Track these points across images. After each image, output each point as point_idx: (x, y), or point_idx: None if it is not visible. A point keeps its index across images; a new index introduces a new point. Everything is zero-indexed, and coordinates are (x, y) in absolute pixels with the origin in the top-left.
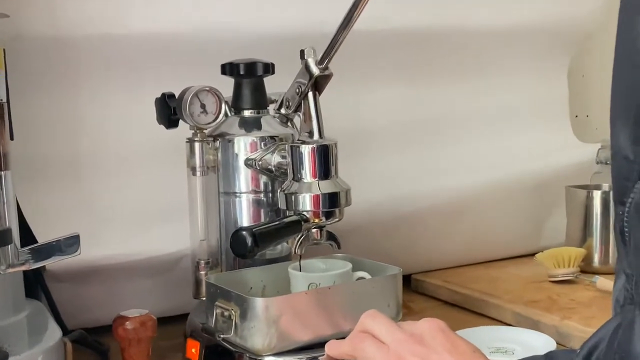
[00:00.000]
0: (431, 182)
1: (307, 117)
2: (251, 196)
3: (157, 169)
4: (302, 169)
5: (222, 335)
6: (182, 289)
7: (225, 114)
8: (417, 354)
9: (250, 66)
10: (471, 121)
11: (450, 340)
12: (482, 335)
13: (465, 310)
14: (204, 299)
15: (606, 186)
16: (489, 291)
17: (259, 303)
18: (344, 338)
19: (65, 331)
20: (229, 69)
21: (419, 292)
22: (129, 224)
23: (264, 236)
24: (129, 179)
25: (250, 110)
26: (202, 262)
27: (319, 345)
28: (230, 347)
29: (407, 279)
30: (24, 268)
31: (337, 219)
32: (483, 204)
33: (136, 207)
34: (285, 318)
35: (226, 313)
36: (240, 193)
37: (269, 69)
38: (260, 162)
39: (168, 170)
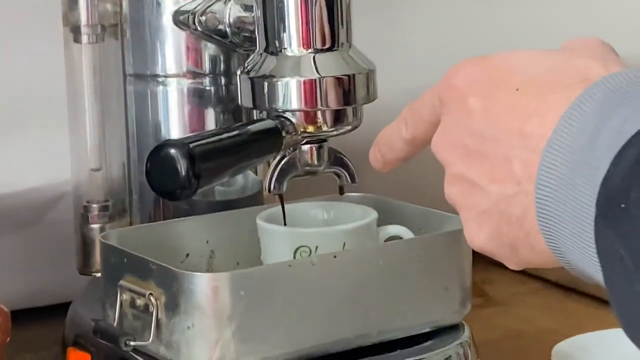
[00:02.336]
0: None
1: None
2: (186, 83)
3: (10, 34)
4: (283, 30)
5: (132, 343)
6: (57, 258)
7: None
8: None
9: None
10: None
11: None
12: (628, 341)
13: (594, 299)
14: (98, 275)
15: None
16: None
17: (202, 283)
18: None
19: None
20: None
21: (503, 265)
22: None
23: (209, 158)
24: None
25: None
26: (95, 206)
27: None
28: None
29: None
30: None
31: (349, 127)
32: None
33: None
34: (252, 311)
35: (140, 301)
36: (166, 77)
37: None
38: (203, 18)
39: (28, 35)
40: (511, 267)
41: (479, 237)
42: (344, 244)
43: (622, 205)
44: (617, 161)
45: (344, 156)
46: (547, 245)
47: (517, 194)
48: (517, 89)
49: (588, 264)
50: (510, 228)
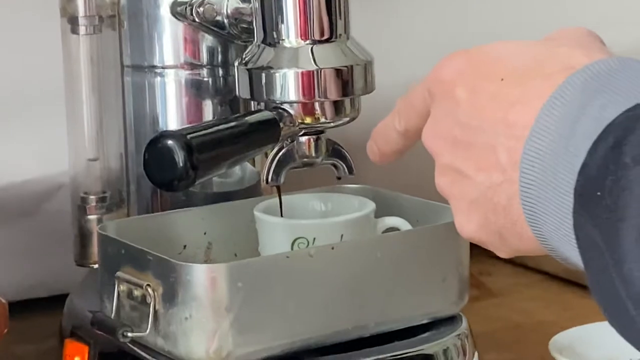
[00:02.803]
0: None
1: None
2: (184, 74)
3: (7, 24)
4: (281, 21)
5: (129, 334)
6: (55, 249)
7: None
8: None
9: None
10: None
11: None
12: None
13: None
14: (96, 266)
15: None
16: None
17: (199, 274)
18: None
19: None
20: None
21: (502, 258)
22: None
23: (207, 149)
24: None
25: None
26: (93, 197)
27: (311, 353)
28: (145, 355)
29: None
30: None
31: (347, 119)
32: None
33: None
34: (249, 302)
35: (137, 292)
36: (164, 68)
37: None
38: (200, 10)
39: (25, 26)
40: (501, 255)
41: (468, 226)
42: (342, 235)
43: (598, 194)
44: (593, 150)
45: (342, 148)
46: (532, 233)
47: (503, 182)
48: (502, 79)
49: (571, 251)
50: (497, 217)
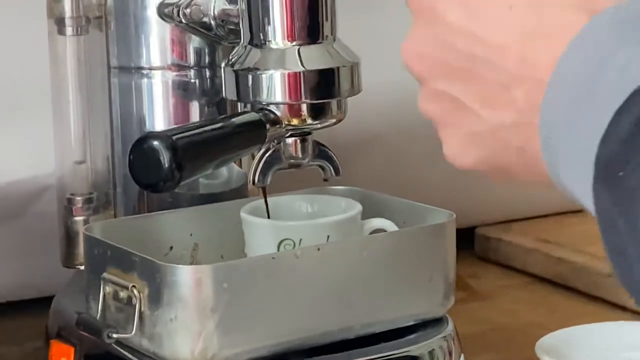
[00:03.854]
0: None
1: None
2: (171, 75)
3: None
4: (268, 23)
5: (115, 335)
6: (41, 250)
7: None
8: None
9: None
10: None
11: None
12: (612, 335)
13: (579, 293)
14: (82, 267)
15: None
16: None
17: (185, 275)
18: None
19: None
20: None
21: (488, 260)
22: None
23: (192, 150)
24: None
25: None
26: (79, 198)
27: (297, 354)
28: (131, 357)
29: (467, 235)
30: None
31: (333, 121)
32: None
33: None
34: (235, 303)
35: (123, 294)
36: (151, 70)
37: None
38: (187, 11)
39: (12, 27)
40: (496, 182)
41: (467, 157)
42: (328, 236)
43: (620, 174)
44: (617, 120)
45: (329, 149)
46: (552, 179)
47: (518, 124)
48: (511, 7)
49: (588, 201)
50: (509, 155)
